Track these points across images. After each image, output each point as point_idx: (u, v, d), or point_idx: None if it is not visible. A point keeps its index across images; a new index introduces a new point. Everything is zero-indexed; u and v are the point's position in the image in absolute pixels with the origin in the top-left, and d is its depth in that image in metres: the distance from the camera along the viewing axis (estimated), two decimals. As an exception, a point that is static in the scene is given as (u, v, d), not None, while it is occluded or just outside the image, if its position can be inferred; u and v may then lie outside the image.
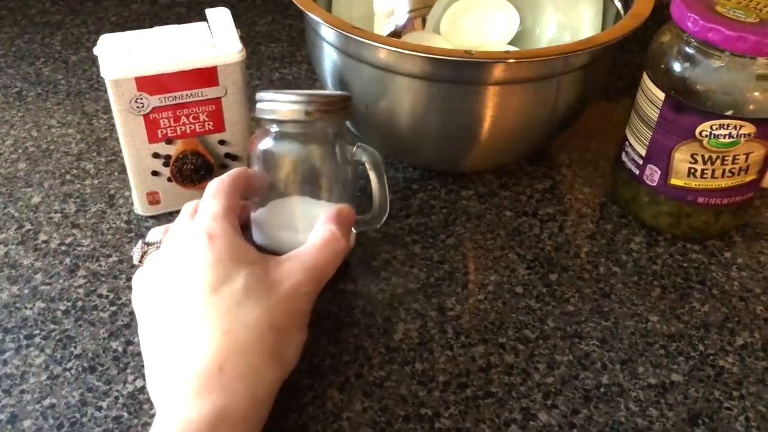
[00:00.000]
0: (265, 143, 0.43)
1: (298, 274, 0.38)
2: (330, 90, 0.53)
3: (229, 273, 0.36)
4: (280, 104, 0.42)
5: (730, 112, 0.43)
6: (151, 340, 0.37)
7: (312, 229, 0.41)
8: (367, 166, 0.44)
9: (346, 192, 0.44)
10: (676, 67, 0.45)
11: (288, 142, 0.43)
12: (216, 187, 0.40)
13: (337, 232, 0.40)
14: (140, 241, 0.41)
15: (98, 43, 0.46)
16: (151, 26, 0.48)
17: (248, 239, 0.41)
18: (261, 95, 0.43)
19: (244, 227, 0.42)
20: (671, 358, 0.43)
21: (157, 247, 0.40)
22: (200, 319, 0.35)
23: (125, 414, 0.38)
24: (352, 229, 0.44)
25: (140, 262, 0.40)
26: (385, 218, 0.45)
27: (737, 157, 0.45)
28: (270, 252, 0.40)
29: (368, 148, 0.44)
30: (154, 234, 0.41)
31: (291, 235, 0.42)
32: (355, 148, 0.44)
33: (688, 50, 0.44)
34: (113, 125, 0.47)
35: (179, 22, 0.49)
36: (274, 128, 0.43)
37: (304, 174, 0.44)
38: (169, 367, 0.35)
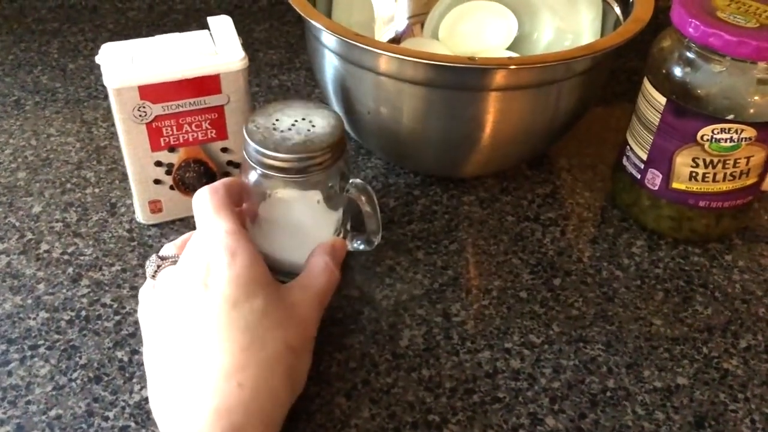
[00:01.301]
0: (258, 181, 0.42)
1: (309, 299, 0.39)
2: (328, 103, 0.53)
3: (250, 290, 0.36)
4: (275, 165, 0.41)
5: (731, 117, 0.44)
6: (159, 355, 0.36)
7: (304, 254, 0.43)
8: (360, 203, 0.44)
9: (335, 221, 0.45)
10: (677, 71, 0.45)
11: (282, 190, 0.42)
12: (217, 203, 0.40)
13: (330, 264, 0.42)
14: (155, 255, 0.40)
15: (100, 51, 0.46)
16: (148, 34, 0.48)
17: None
18: (252, 148, 0.41)
19: None
20: (676, 361, 0.43)
21: (173, 262, 0.39)
22: (218, 334, 0.35)
23: (132, 424, 0.38)
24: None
25: (153, 276, 0.40)
26: (377, 243, 0.46)
27: (738, 160, 0.45)
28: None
29: (359, 184, 0.44)
30: (168, 249, 0.41)
31: (283, 254, 0.44)
32: (348, 187, 0.44)
33: (689, 55, 0.45)
34: (113, 133, 0.47)
35: (177, 30, 0.49)
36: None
37: (299, 213, 0.44)
38: (180, 383, 0.34)
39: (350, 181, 0.44)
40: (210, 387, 0.33)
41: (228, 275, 0.36)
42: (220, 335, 0.35)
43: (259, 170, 0.41)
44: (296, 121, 0.42)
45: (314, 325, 0.39)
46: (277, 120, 0.42)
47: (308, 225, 0.44)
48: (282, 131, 0.41)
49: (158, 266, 0.40)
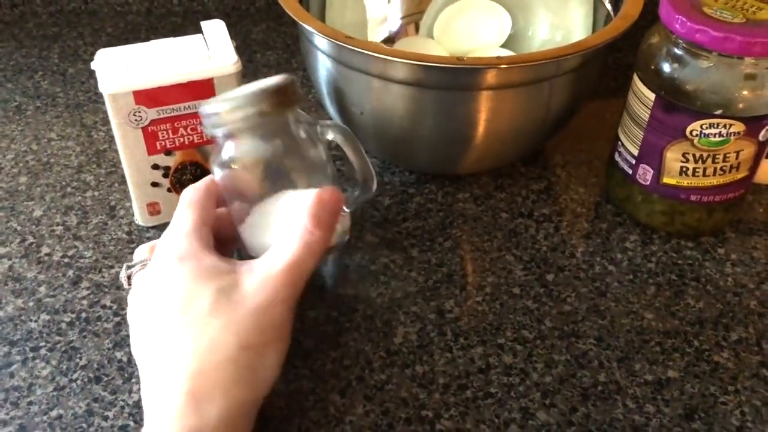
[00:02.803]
0: (225, 154, 0.39)
1: (271, 281, 0.35)
2: (322, 104, 0.53)
3: (197, 292, 0.35)
4: (230, 113, 0.38)
5: (719, 111, 0.44)
6: (138, 359, 0.37)
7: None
8: (339, 142, 0.41)
9: (326, 175, 0.41)
10: (666, 67, 0.45)
11: (248, 146, 0.39)
12: (189, 198, 0.39)
13: (309, 224, 0.37)
14: (125, 265, 0.40)
15: (95, 57, 0.46)
16: (147, 37, 0.49)
17: (240, 252, 0.41)
18: (205, 109, 0.39)
19: (229, 240, 0.41)
20: (667, 354, 0.43)
21: (144, 266, 0.39)
22: (172, 341, 0.35)
23: (131, 423, 0.39)
24: (345, 209, 0.42)
25: (129, 284, 0.40)
26: (375, 186, 0.43)
27: (728, 155, 0.46)
28: None
29: (332, 123, 0.42)
30: (140, 252, 0.41)
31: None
32: (318, 127, 0.41)
33: (677, 51, 0.45)
34: (112, 137, 0.47)
35: (175, 33, 0.49)
36: (229, 138, 0.39)
37: (276, 171, 0.40)
38: (149, 388, 0.35)
39: (319, 123, 0.41)
40: (165, 395, 0.34)
41: (175, 281, 0.36)
42: (174, 343, 0.34)
43: (216, 131, 0.39)
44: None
45: (281, 308, 0.35)
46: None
47: (295, 191, 0.40)
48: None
49: (128, 276, 0.39)
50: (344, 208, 0.42)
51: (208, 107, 0.38)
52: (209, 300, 0.35)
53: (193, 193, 0.40)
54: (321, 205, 0.38)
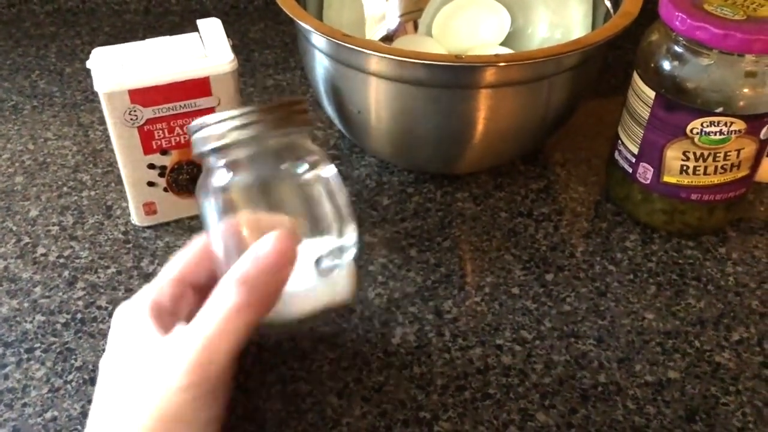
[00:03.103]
0: (218, 180, 0.33)
1: (176, 364, 0.30)
2: (320, 103, 0.53)
3: (103, 373, 0.33)
4: (227, 124, 0.33)
5: (720, 109, 0.44)
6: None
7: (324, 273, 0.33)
8: (320, 192, 0.34)
9: (324, 212, 0.34)
10: (666, 65, 0.45)
11: (245, 168, 0.33)
12: (175, 257, 0.35)
13: (235, 293, 0.30)
14: None
15: (91, 56, 0.46)
16: (144, 36, 0.48)
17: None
18: (196, 122, 0.34)
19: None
20: (668, 355, 0.43)
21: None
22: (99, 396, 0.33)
23: (126, 425, 0.39)
24: (346, 273, 0.35)
25: None
26: (353, 235, 0.35)
27: (729, 153, 0.45)
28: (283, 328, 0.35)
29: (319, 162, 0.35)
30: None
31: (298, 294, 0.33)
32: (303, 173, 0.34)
33: (677, 49, 0.44)
34: (109, 136, 0.47)
35: (172, 32, 0.49)
36: (221, 158, 0.34)
37: (274, 199, 0.34)
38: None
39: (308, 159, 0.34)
40: None
41: (112, 344, 0.34)
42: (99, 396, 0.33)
43: (206, 148, 0.33)
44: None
45: (184, 398, 0.30)
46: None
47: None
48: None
49: None
50: (329, 261, 0.34)
51: (199, 119, 0.34)
52: (100, 388, 0.33)
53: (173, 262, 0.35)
54: (255, 263, 0.30)
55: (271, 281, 0.31)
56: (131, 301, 0.34)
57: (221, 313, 0.30)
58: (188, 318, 0.32)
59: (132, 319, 0.33)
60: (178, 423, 0.30)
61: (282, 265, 0.31)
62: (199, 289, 0.35)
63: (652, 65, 0.46)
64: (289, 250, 0.31)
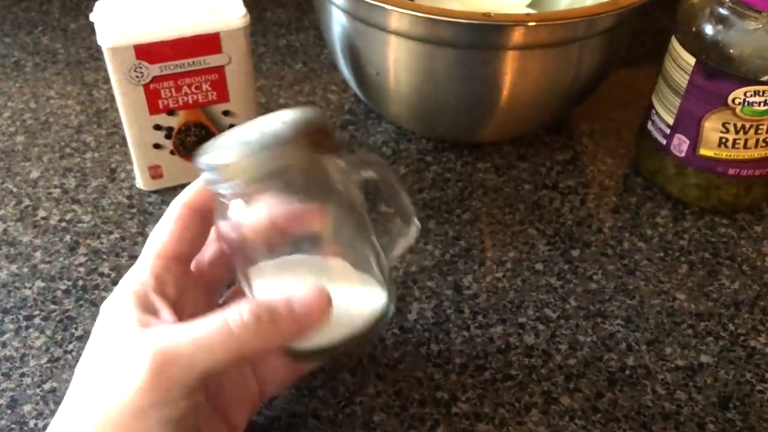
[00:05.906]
0: (234, 215, 0.31)
1: (138, 360, 0.27)
2: (336, 64, 0.50)
3: (76, 371, 0.30)
4: (241, 164, 0.29)
5: (765, 78, 0.41)
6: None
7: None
8: (378, 183, 0.33)
9: (360, 229, 0.33)
10: (708, 29, 0.42)
11: (264, 206, 0.31)
12: (154, 231, 0.32)
13: (238, 312, 0.28)
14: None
15: (95, 8, 0.44)
16: (151, -9, 0.45)
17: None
18: (204, 160, 0.30)
19: (217, 280, 0.34)
20: (700, 338, 0.41)
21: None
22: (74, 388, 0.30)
23: (128, 399, 0.37)
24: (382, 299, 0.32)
25: None
26: (417, 227, 0.35)
27: (772, 125, 0.43)
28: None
29: (368, 157, 0.34)
30: None
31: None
32: (353, 166, 0.32)
33: (722, 11, 0.41)
34: (113, 96, 0.45)
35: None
36: (238, 196, 0.30)
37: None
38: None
39: (355, 158, 0.33)
40: None
41: (95, 334, 0.31)
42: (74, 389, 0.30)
43: (220, 188, 0.30)
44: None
45: (148, 417, 0.27)
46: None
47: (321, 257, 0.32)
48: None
49: None
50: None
51: (208, 157, 0.29)
52: (77, 376, 0.30)
53: (160, 225, 0.32)
54: (285, 305, 0.28)
55: (286, 330, 0.29)
56: (113, 295, 0.31)
57: (211, 325, 0.28)
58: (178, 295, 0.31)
59: (113, 315, 0.30)
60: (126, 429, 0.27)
61: (306, 325, 0.29)
62: (185, 260, 0.32)
63: (693, 29, 0.43)
64: (324, 314, 0.29)
